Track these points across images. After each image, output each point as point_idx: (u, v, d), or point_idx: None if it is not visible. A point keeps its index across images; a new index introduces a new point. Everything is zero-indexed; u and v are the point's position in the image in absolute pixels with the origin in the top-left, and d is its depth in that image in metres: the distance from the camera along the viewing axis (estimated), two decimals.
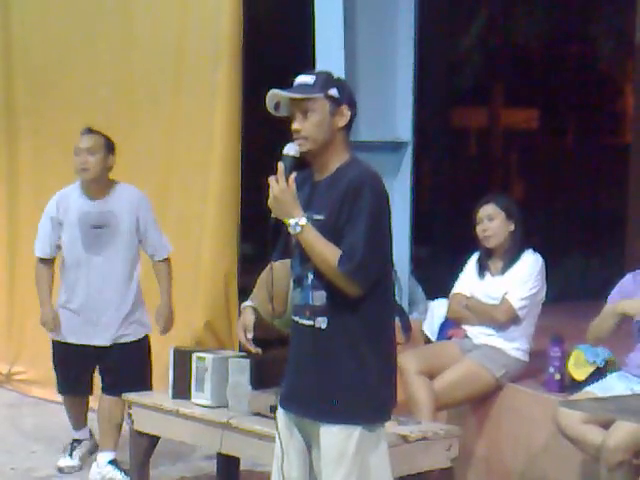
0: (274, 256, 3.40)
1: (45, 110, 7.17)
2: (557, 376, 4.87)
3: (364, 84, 6.28)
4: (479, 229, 5.16)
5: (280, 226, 3.25)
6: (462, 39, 11.62)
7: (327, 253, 3.17)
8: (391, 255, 3.32)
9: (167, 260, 5.43)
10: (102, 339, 5.30)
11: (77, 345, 5.32)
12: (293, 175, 3.22)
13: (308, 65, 6.24)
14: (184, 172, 6.37)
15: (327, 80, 3.29)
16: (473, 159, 15.04)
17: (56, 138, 6.98)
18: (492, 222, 5.13)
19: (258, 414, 4.37)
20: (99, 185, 5.26)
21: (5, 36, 7.43)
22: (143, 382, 5.25)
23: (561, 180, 12.94)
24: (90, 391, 5.50)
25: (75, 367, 5.39)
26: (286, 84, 3.32)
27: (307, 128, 3.24)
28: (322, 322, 3.23)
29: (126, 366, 5.28)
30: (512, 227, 5.13)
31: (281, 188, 3.19)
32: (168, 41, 6.49)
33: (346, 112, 3.28)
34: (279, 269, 3.37)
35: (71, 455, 5.53)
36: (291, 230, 3.20)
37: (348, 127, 3.31)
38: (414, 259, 6.58)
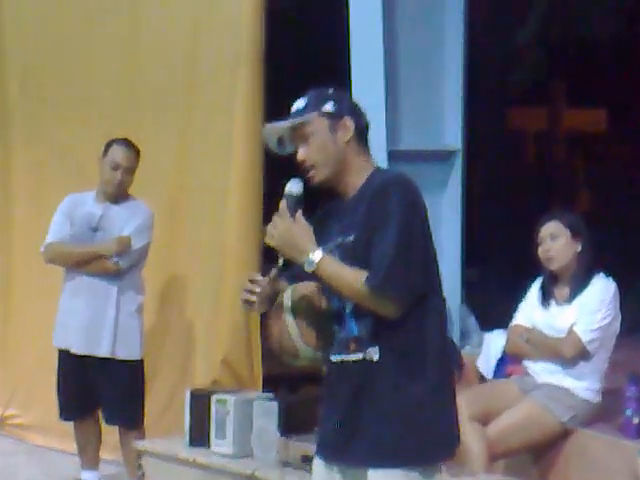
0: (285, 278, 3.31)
1: (41, 119, 7.22)
2: (635, 419, 4.86)
3: (406, 85, 6.28)
4: (541, 250, 5.15)
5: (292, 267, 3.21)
6: (519, 31, 11.60)
7: (350, 277, 3.14)
8: (437, 268, 3.25)
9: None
10: (79, 345, 5.60)
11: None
12: (299, 212, 3.20)
13: (342, 67, 6.22)
14: (202, 174, 6.39)
15: (319, 97, 3.32)
16: (532, 167, 15.00)
17: (53, 149, 7.03)
18: (555, 242, 5.12)
19: (288, 464, 4.36)
20: (118, 195, 5.73)
21: None
22: (127, 409, 5.53)
23: (634, 190, 12.86)
24: (93, 412, 5.72)
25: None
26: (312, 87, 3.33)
27: (312, 155, 3.26)
28: (374, 353, 3.18)
29: (105, 382, 5.58)
30: (579, 248, 5.12)
31: (285, 226, 3.18)
32: (180, 39, 6.50)
33: (349, 123, 3.28)
34: (305, 296, 3.29)
35: None
36: (307, 269, 3.18)
37: (360, 138, 3.31)
38: (466, 284, 6.54)
